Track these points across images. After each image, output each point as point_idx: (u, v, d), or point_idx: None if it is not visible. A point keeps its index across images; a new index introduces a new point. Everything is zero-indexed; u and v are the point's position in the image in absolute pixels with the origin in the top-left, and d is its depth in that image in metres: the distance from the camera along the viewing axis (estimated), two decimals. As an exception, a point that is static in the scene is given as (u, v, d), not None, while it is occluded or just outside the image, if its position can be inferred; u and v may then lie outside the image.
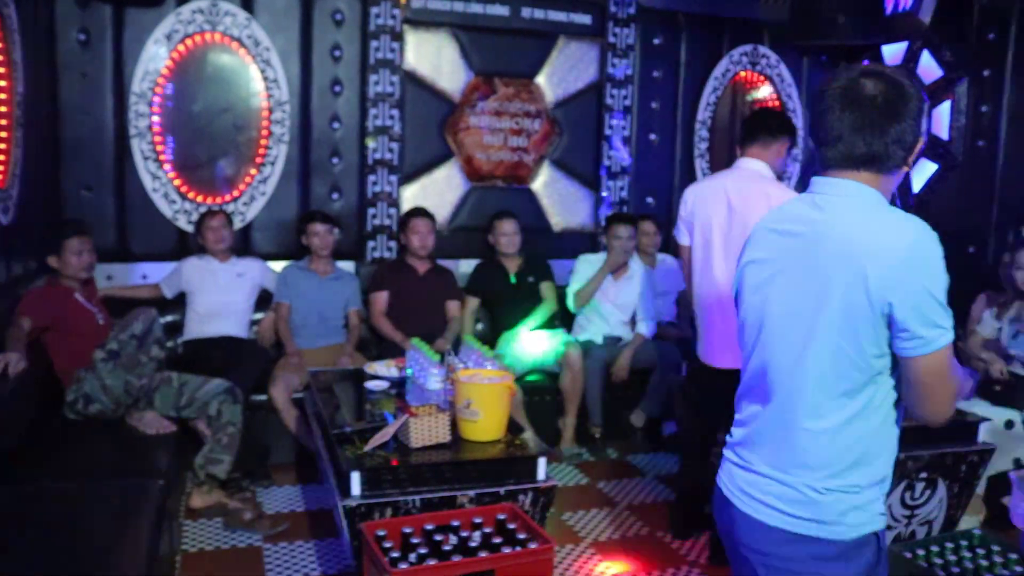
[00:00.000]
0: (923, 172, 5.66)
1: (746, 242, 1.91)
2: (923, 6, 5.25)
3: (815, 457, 1.67)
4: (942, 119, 5.51)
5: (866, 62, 6.01)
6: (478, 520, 2.82)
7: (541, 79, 5.69)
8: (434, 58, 5.43)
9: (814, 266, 1.65)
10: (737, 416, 1.88)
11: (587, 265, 5.30)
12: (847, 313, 1.60)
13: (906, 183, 5.75)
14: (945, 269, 1.60)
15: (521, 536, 2.77)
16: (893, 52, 5.82)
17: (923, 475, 3.60)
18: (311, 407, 3.99)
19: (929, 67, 5.57)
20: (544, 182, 5.83)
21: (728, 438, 1.91)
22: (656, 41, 5.90)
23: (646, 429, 5.30)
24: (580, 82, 5.78)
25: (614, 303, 5.31)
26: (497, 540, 2.71)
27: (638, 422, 5.28)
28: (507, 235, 5.29)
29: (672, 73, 6.00)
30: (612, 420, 5.19)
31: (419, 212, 5.14)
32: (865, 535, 1.68)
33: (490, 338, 5.23)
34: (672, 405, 5.20)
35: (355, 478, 2.89)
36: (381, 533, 2.70)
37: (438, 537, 2.69)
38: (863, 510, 1.69)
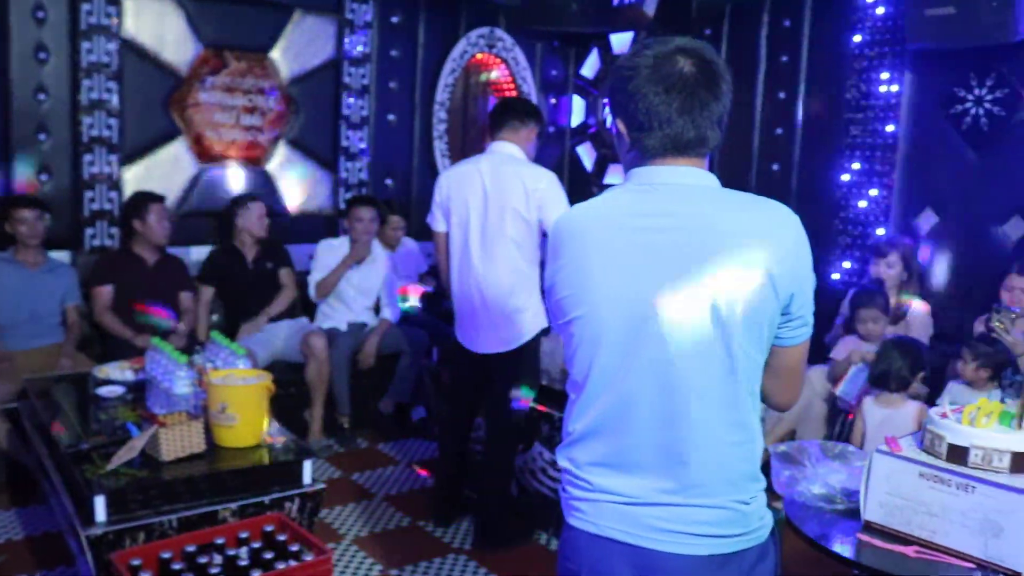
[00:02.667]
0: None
1: (560, 249, 1.61)
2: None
3: (739, 470, 1.53)
4: (664, 107, 5.87)
5: (595, 49, 6.29)
6: (244, 535, 2.61)
7: (276, 54, 5.38)
8: (157, 27, 4.94)
9: (702, 268, 1.45)
10: (598, 447, 1.57)
11: (328, 251, 5.11)
12: (753, 314, 1.46)
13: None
14: None
15: (293, 548, 2.60)
16: (621, 41, 6.12)
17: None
18: (30, 419, 3.52)
19: (653, 58, 5.91)
20: (280, 163, 5.55)
21: (587, 473, 1.59)
22: (394, 20, 5.78)
23: (395, 416, 5.23)
24: (317, 59, 5.54)
25: (357, 289, 5.17)
26: (268, 555, 2.52)
27: (387, 409, 5.20)
28: (259, 217, 5.00)
29: (410, 53, 5.92)
30: (360, 408, 5.07)
31: (154, 198, 4.69)
32: (773, 527, 1.62)
33: (226, 329, 4.90)
34: (421, 390, 5.17)
35: (99, 503, 2.58)
36: (136, 563, 2.42)
37: (202, 559, 2.46)
38: (767, 507, 1.61)
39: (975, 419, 2.19)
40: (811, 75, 5.07)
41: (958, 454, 2.14)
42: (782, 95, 5.21)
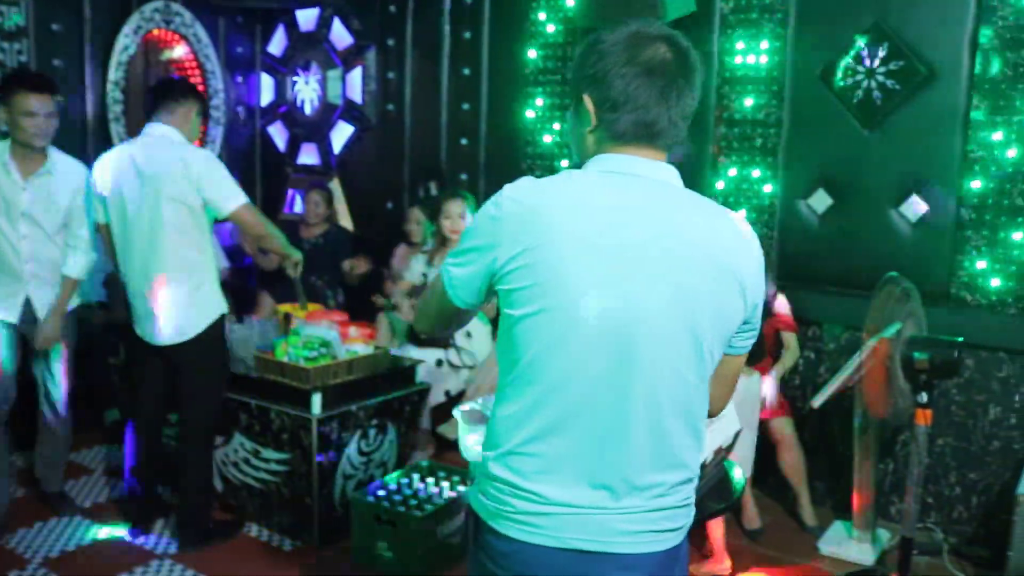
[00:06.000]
0: (342, 134, 5.97)
1: (519, 234, 1.43)
2: (334, -25, 5.49)
3: (691, 464, 1.54)
4: (355, 84, 5.86)
5: (281, 25, 6.11)
6: None
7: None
8: None
9: (682, 277, 1.43)
10: (549, 453, 1.46)
11: None
12: (726, 323, 1.49)
13: (327, 144, 6.02)
14: None
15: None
16: (307, 18, 5.99)
17: (374, 422, 3.87)
18: None
19: (340, 34, 5.85)
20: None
21: (534, 483, 1.46)
22: (53, -12, 5.28)
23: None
24: (-43, 32, 4.95)
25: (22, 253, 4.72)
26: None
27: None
28: None
29: (76, 26, 5.42)
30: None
31: None
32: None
33: None
34: (113, 391, 4.84)
35: None
36: None
37: None
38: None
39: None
40: (493, 51, 5.25)
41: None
42: (467, 71, 5.36)
